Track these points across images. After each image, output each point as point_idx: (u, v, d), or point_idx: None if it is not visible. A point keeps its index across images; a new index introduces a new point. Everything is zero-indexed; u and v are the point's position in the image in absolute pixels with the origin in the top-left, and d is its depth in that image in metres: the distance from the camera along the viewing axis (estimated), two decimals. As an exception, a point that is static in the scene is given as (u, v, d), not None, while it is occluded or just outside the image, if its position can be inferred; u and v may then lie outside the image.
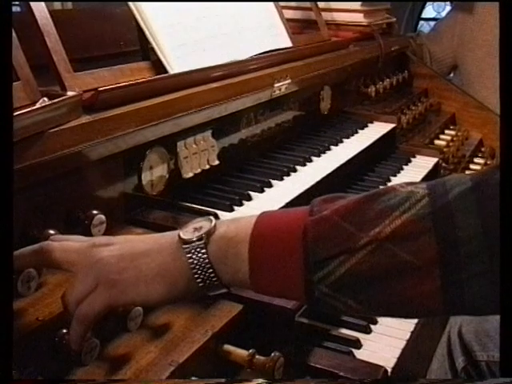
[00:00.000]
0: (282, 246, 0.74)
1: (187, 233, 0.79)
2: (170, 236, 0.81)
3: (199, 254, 0.77)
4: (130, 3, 1.33)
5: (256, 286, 0.77)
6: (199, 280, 0.77)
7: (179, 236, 0.79)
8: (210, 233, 0.78)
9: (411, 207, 0.70)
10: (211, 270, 0.77)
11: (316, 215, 0.74)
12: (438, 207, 0.69)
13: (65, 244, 0.85)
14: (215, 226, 0.79)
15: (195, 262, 0.77)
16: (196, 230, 0.79)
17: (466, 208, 0.68)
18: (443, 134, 2.54)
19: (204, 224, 0.79)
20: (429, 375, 1.58)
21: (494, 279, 0.66)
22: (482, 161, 2.52)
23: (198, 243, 0.77)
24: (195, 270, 0.77)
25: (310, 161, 1.69)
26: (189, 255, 0.77)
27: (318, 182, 1.54)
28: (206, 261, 0.76)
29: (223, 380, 0.94)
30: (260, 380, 0.95)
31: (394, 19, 2.76)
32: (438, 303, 0.69)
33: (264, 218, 0.78)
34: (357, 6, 2.42)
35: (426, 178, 1.90)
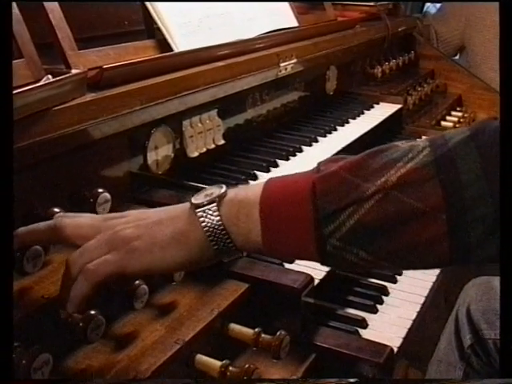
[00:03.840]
0: (291, 203, 0.75)
1: (199, 198, 0.79)
2: (182, 205, 0.82)
3: (212, 217, 0.77)
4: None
5: (268, 246, 0.77)
6: (213, 243, 0.77)
7: (191, 202, 0.79)
8: (221, 196, 0.78)
9: (414, 157, 0.72)
10: (224, 232, 0.77)
11: (323, 172, 0.75)
12: (439, 155, 0.71)
13: (78, 219, 0.85)
14: (226, 191, 0.79)
15: (209, 224, 0.77)
16: (207, 195, 0.79)
17: (466, 154, 0.70)
18: (450, 115, 2.53)
19: (215, 190, 0.80)
20: (436, 354, 1.58)
21: (497, 222, 0.68)
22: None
23: (210, 206, 0.78)
24: (209, 233, 0.77)
25: (316, 141, 1.69)
26: (202, 219, 0.77)
27: (324, 163, 1.52)
28: (220, 223, 0.77)
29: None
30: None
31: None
32: (444, 248, 0.70)
33: (272, 181, 0.79)
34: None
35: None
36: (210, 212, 0.77)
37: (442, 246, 0.70)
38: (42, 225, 0.85)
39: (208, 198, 0.78)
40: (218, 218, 0.77)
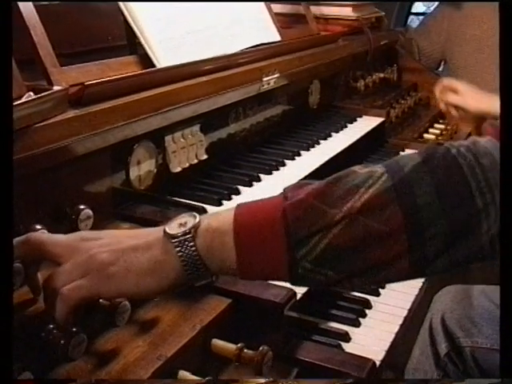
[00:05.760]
0: (264, 230, 0.79)
1: (173, 228, 0.82)
2: (155, 232, 0.84)
3: (188, 247, 0.80)
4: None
5: (243, 271, 0.81)
6: (189, 272, 0.80)
7: (166, 232, 0.82)
8: (196, 226, 0.81)
9: (374, 183, 0.77)
10: (200, 262, 0.80)
11: (292, 199, 0.79)
12: (396, 181, 0.77)
13: (55, 237, 0.86)
14: (199, 221, 0.82)
15: (184, 254, 0.80)
16: (181, 225, 0.82)
17: (420, 178, 0.77)
18: (432, 127, 2.54)
19: (188, 219, 0.82)
20: (411, 362, 1.59)
21: (450, 240, 0.76)
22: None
23: (186, 237, 0.80)
24: (185, 263, 0.80)
25: (299, 155, 1.69)
26: (178, 249, 0.80)
27: (307, 176, 1.53)
28: (195, 253, 0.80)
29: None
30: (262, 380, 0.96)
31: (383, 13, 2.75)
32: (404, 264, 0.77)
33: (242, 208, 0.82)
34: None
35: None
36: (186, 243, 0.80)
37: (402, 262, 0.77)
38: (16, 240, 0.85)
39: (183, 229, 0.81)
40: (193, 248, 0.80)
